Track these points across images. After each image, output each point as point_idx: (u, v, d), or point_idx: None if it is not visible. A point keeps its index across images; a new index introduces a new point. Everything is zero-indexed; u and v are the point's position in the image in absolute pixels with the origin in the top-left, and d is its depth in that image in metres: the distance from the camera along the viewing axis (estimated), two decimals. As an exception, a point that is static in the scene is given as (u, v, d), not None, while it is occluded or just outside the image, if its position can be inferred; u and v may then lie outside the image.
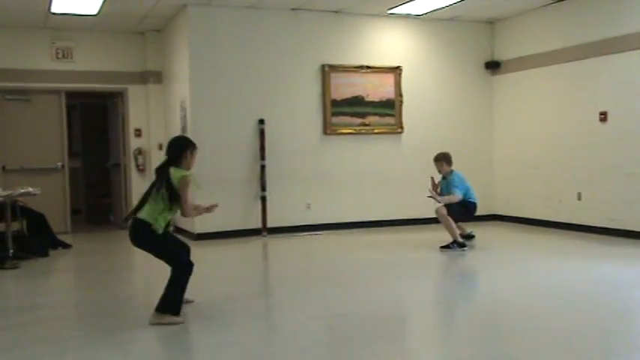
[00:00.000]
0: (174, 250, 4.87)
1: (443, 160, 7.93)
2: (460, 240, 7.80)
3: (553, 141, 9.34)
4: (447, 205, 7.74)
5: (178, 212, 4.83)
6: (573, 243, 8.20)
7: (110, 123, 11.37)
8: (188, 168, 4.86)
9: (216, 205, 5.08)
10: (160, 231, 4.72)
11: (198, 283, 6.70)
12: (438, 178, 8.08)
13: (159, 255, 4.81)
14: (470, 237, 8.21)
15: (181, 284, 4.75)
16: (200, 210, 5.00)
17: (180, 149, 4.91)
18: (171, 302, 4.70)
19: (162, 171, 4.80)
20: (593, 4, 8.67)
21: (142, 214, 4.76)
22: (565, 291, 5.63)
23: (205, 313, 5.19)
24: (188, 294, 4.94)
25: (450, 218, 7.71)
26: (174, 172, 4.74)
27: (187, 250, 5.12)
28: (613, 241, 8.07)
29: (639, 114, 8.05)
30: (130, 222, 4.90)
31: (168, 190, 4.71)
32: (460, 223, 8.04)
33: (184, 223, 9.61)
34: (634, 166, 8.11)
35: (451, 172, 7.91)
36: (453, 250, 7.68)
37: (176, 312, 4.70)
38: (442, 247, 7.79)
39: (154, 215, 4.73)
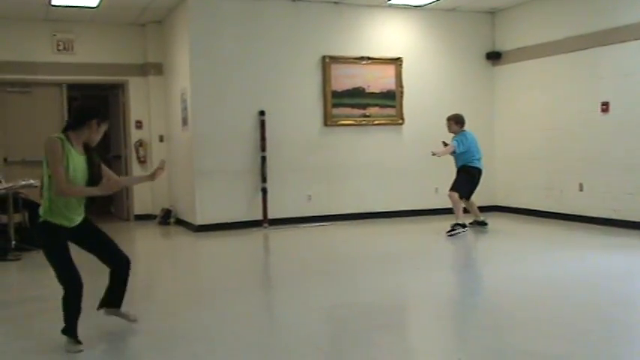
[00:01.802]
0: (63, 263, 3.94)
1: (452, 119, 8.41)
2: (461, 221, 8.15)
3: (554, 132, 9.33)
4: (456, 188, 8.18)
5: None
6: (575, 234, 8.20)
7: (111, 115, 11.34)
8: (92, 141, 3.97)
9: (163, 163, 4.30)
10: (61, 222, 3.88)
11: (199, 275, 6.76)
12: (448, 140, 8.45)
13: (49, 263, 3.98)
14: (483, 224, 8.61)
15: (72, 306, 3.94)
16: (105, 188, 3.95)
17: (83, 116, 3.93)
18: (66, 325, 3.99)
19: None
20: (595, -6, 8.64)
21: (40, 207, 3.96)
22: (566, 281, 5.63)
23: (207, 305, 5.21)
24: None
25: (459, 201, 8.16)
26: None
27: (118, 259, 4.20)
28: (615, 231, 8.06)
29: (641, 104, 8.04)
30: None
31: (47, 161, 3.82)
32: (476, 210, 8.60)
33: (184, 214, 9.63)
34: (636, 157, 8.09)
35: (461, 132, 8.33)
36: (458, 233, 8.05)
37: (71, 335, 3.98)
38: (448, 232, 8.10)
39: (44, 202, 3.89)
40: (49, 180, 3.82)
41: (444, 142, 8.39)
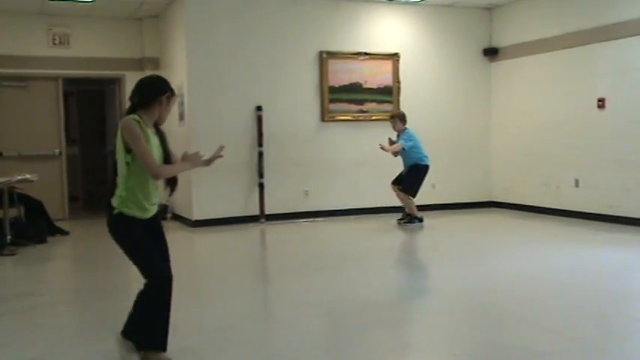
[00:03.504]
0: (145, 253, 3.48)
1: (397, 117, 8.70)
2: (419, 215, 8.63)
3: (551, 128, 9.34)
4: (407, 188, 8.55)
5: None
6: (571, 229, 8.22)
7: (108, 109, 11.33)
8: (162, 119, 3.54)
9: (221, 149, 3.71)
10: (135, 213, 3.43)
11: (195, 270, 6.76)
12: (393, 136, 8.74)
13: (129, 258, 3.50)
14: (410, 220, 8.76)
15: (158, 305, 3.51)
16: (194, 161, 3.62)
17: (151, 92, 3.46)
18: (151, 333, 3.53)
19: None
20: (592, -10, 8.64)
21: (113, 198, 3.48)
22: (562, 277, 5.64)
23: (203, 299, 5.21)
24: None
25: (405, 195, 8.58)
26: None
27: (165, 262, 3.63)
28: (610, 227, 8.09)
29: (637, 101, 8.04)
30: None
31: (124, 146, 3.39)
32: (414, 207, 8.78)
33: (180, 209, 9.62)
34: (631, 153, 8.11)
35: (404, 129, 8.59)
36: (413, 224, 8.56)
37: (158, 346, 3.53)
38: (401, 220, 8.70)
39: (119, 192, 3.43)
40: (126, 167, 3.40)
41: (390, 139, 8.65)
